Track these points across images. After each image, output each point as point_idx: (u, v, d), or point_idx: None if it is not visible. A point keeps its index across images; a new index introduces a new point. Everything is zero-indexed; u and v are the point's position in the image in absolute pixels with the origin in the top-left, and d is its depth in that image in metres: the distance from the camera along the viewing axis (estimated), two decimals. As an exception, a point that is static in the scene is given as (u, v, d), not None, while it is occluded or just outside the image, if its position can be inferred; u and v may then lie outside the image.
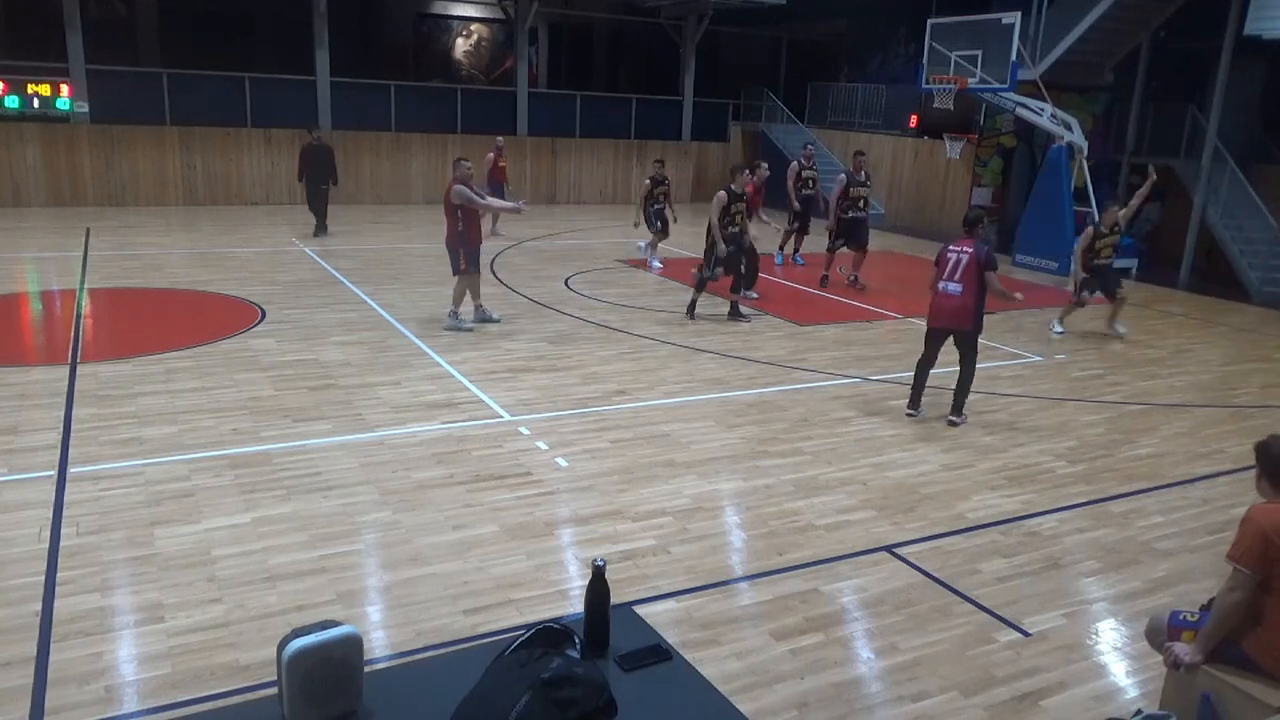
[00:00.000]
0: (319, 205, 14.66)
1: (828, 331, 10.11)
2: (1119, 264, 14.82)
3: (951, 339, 7.13)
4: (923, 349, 7.29)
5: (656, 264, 13.28)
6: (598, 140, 21.49)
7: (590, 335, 9.35)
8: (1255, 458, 3.29)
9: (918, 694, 3.79)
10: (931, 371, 7.32)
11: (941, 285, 7.04)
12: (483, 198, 9.18)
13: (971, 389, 7.30)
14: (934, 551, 5.07)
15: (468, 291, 9.39)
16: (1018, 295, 7.52)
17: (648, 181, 13.25)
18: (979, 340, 7.14)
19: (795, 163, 14.08)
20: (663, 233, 13.36)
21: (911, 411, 7.32)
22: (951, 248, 7.14)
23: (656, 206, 13.17)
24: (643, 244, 13.83)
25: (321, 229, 14.71)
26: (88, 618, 4.04)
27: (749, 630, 4.19)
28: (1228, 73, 13.67)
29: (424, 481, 5.63)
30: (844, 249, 12.40)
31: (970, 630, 4.29)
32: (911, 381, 7.39)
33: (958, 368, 7.16)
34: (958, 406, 7.23)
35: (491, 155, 15.56)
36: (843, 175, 12.67)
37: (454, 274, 9.28)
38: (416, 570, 4.58)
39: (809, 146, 15.20)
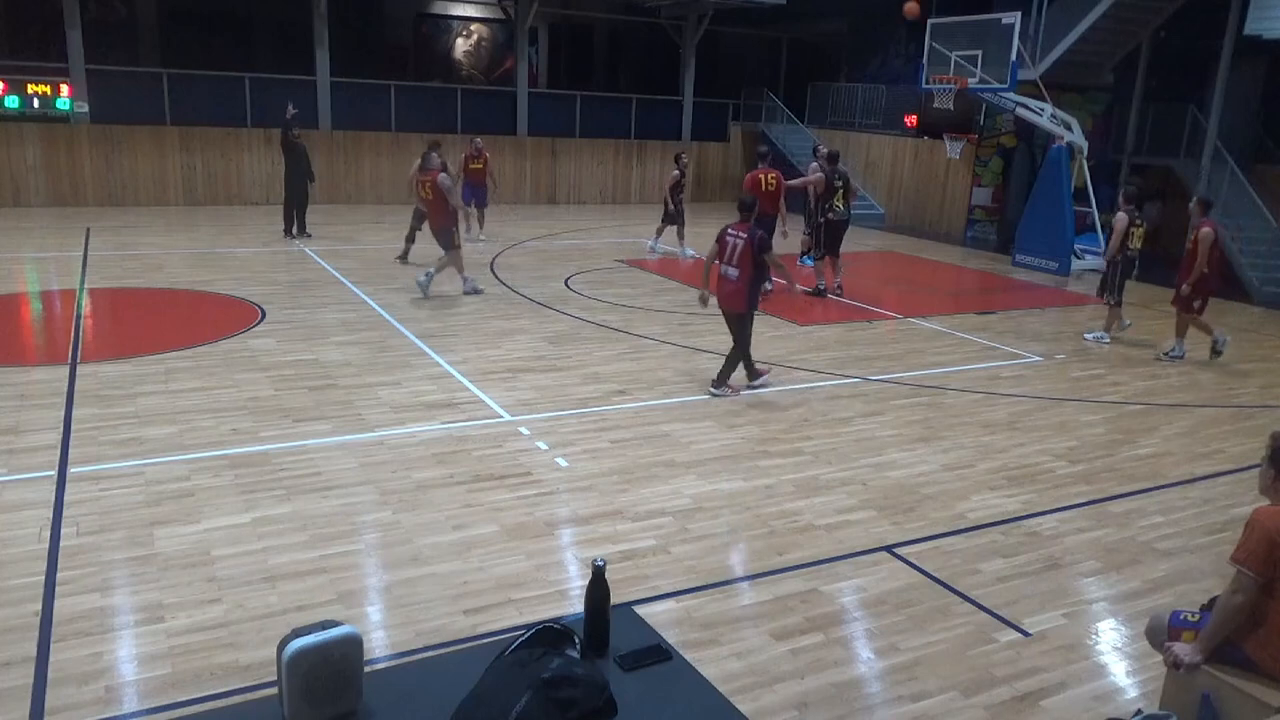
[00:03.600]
0: (301, 205, 14.52)
1: (828, 331, 10.12)
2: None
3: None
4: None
5: (690, 253, 14.17)
6: (598, 140, 21.48)
7: (590, 335, 9.35)
8: (1268, 454, 3.24)
9: (918, 694, 3.79)
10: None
11: (723, 269, 7.37)
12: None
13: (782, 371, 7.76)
14: (934, 551, 5.07)
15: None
16: (797, 287, 8.27)
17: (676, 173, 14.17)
18: (752, 319, 7.52)
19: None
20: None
21: (759, 376, 7.77)
22: (730, 232, 7.36)
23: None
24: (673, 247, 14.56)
25: (301, 230, 14.51)
26: (88, 618, 4.04)
27: (749, 630, 4.19)
28: (1228, 73, 13.68)
29: (424, 481, 5.63)
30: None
31: (970, 630, 4.29)
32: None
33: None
34: (721, 378, 7.57)
35: (464, 156, 14.99)
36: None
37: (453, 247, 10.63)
38: (416, 570, 4.58)
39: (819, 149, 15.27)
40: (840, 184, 11.69)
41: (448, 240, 10.60)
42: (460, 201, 10.46)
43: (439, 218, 10.57)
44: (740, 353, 7.55)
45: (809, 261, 12.86)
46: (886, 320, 10.87)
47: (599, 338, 9.28)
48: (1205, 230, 9.04)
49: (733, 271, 7.29)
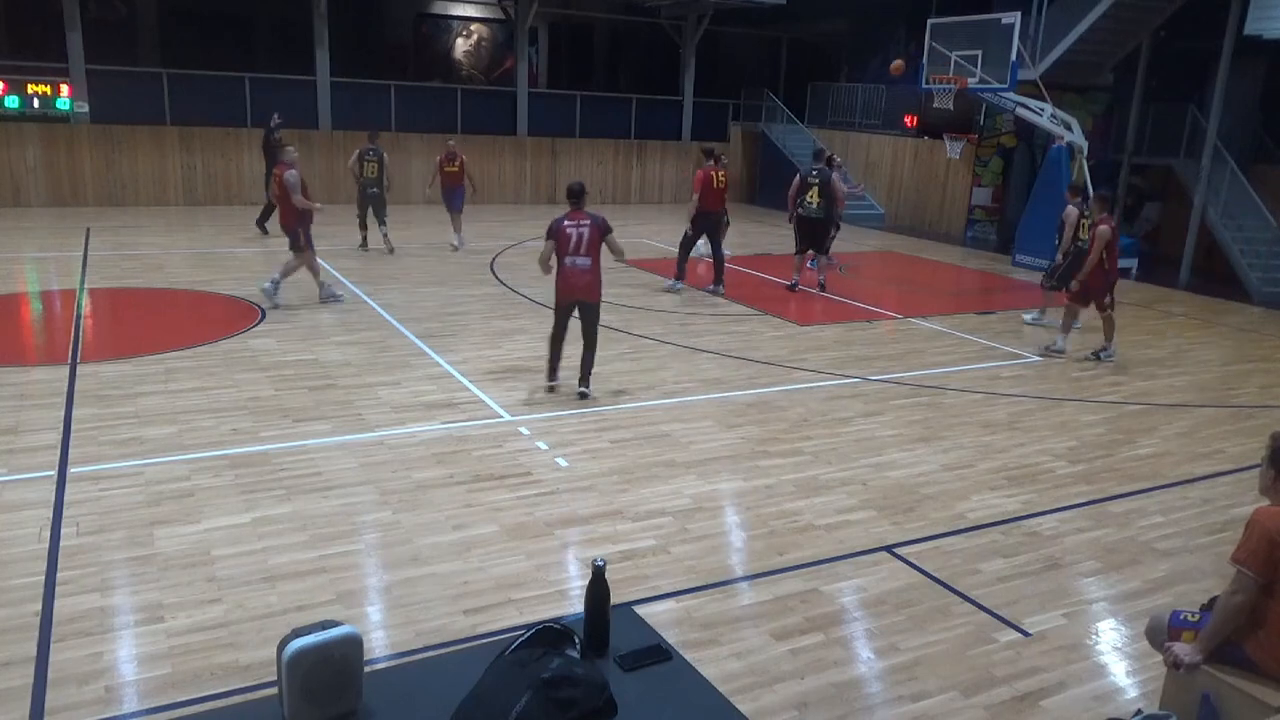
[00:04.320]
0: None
1: (827, 331, 10.12)
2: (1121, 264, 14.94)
3: (576, 310, 7.31)
4: (554, 324, 7.46)
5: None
6: (598, 140, 21.49)
7: (590, 335, 9.34)
8: (1268, 455, 3.24)
9: (918, 694, 3.79)
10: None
11: (570, 261, 7.12)
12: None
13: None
14: (934, 551, 5.07)
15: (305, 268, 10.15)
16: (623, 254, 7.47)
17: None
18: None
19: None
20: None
21: (552, 383, 7.45)
22: (568, 223, 7.15)
23: None
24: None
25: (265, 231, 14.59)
26: (88, 618, 4.04)
27: (749, 630, 4.19)
28: (1228, 73, 13.67)
29: (424, 481, 5.63)
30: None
31: (970, 630, 4.29)
32: (549, 355, 7.52)
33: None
34: (585, 378, 7.38)
35: (439, 159, 14.29)
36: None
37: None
38: (416, 570, 4.58)
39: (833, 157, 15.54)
40: (815, 180, 11.78)
41: (293, 240, 9.95)
42: (305, 201, 9.75)
43: (284, 216, 9.97)
44: (595, 345, 7.38)
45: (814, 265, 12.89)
46: (886, 320, 10.87)
47: (599, 338, 9.25)
48: (1103, 228, 8.95)
49: (584, 261, 7.10)
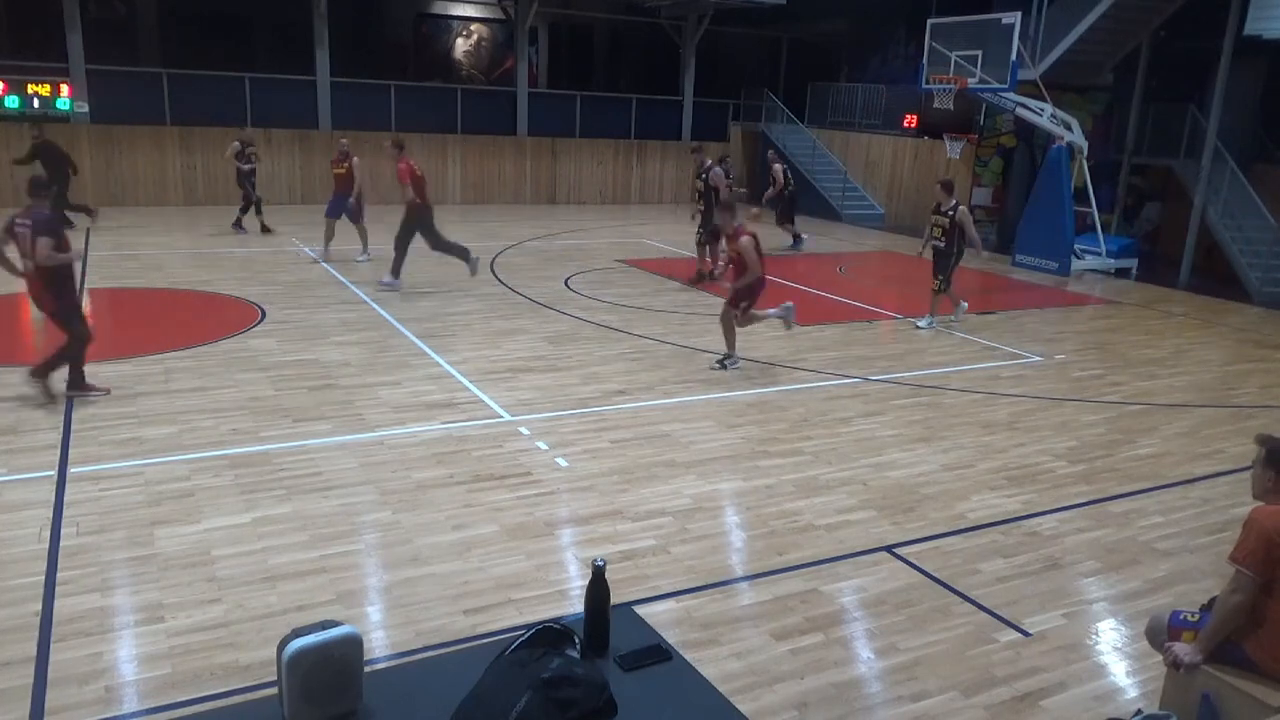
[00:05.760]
0: (74, 199, 14.27)
1: (828, 331, 10.12)
2: (1120, 264, 14.95)
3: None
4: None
5: None
6: (598, 140, 21.49)
7: (590, 335, 9.35)
8: (1264, 457, 3.25)
9: (918, 694, 3.79)
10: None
11: (25, 264, 6.49)
12: None
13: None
14: (934, 551, 5.07)
15: None
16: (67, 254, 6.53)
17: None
18: (74, 314, 6.75)
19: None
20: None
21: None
22: (19, 222, 6.41)
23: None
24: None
25: (91, 214, 14.09)
26: (88, 618, 4.04)
27: (749, 630, 4.19)
28: (1228, 73, 13.67)
29: (424, 481, 5.63)
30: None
31: (970, 630, 4.29)
32: None
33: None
34: (43, 369, 6.63)
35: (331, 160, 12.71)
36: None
37: None
38: (416, 570, 4.58)
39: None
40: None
41: None
42: None
43: None
44: (73, 349, 6.68)
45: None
46: (886, 320, 10.87)
47: (599, 338, 9.27)
48: (744, 239, 8.47)
49: (30, 266, 6.41)
